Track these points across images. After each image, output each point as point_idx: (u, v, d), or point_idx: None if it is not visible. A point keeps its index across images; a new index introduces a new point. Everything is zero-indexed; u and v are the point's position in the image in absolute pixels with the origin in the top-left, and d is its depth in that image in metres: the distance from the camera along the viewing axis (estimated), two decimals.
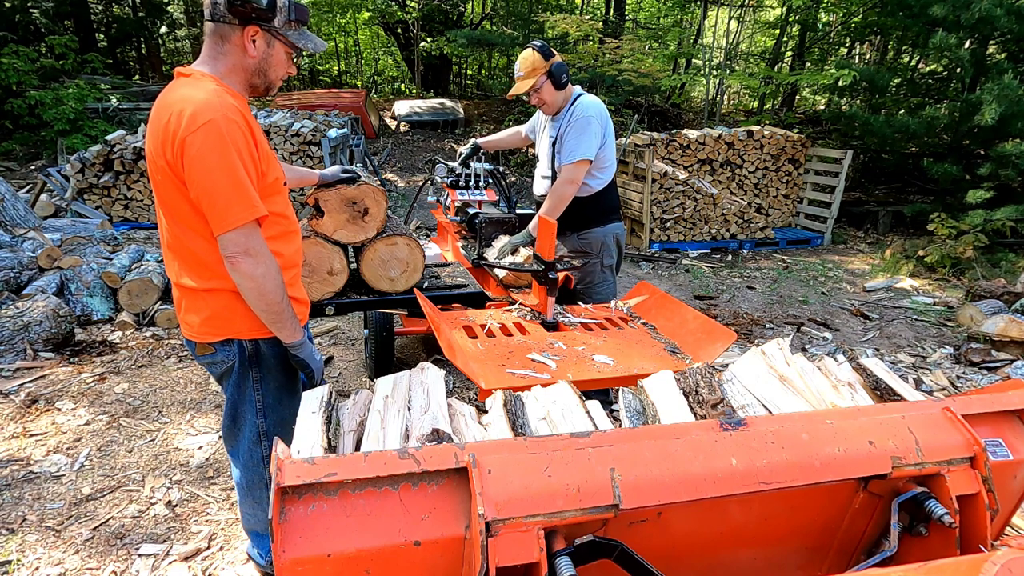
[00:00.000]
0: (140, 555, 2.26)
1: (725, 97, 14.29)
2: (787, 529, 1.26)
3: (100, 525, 2.41)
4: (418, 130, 12.35)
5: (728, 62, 11.61)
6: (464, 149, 3.47)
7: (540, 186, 3.13)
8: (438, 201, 4.05)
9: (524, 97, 2.88)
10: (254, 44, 1.60)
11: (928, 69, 10.40)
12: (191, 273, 1.65)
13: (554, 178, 2.99)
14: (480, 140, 3.49)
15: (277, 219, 1.73)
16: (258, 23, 1.58)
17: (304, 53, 1.69)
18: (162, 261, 4.85)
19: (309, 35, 1.70)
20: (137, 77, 14.82)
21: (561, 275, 2.53)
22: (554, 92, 2.84)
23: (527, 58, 2.78)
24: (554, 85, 2.82)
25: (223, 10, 1.54)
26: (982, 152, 7.87)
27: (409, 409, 1.31)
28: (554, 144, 2.92)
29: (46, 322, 3.83)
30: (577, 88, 2.94)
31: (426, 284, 2.99)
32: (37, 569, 2.18)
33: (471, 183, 3.46)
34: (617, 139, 5.99)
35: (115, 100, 10.39)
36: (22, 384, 3.47)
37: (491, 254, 2.97)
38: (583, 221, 2.98)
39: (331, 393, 1.33)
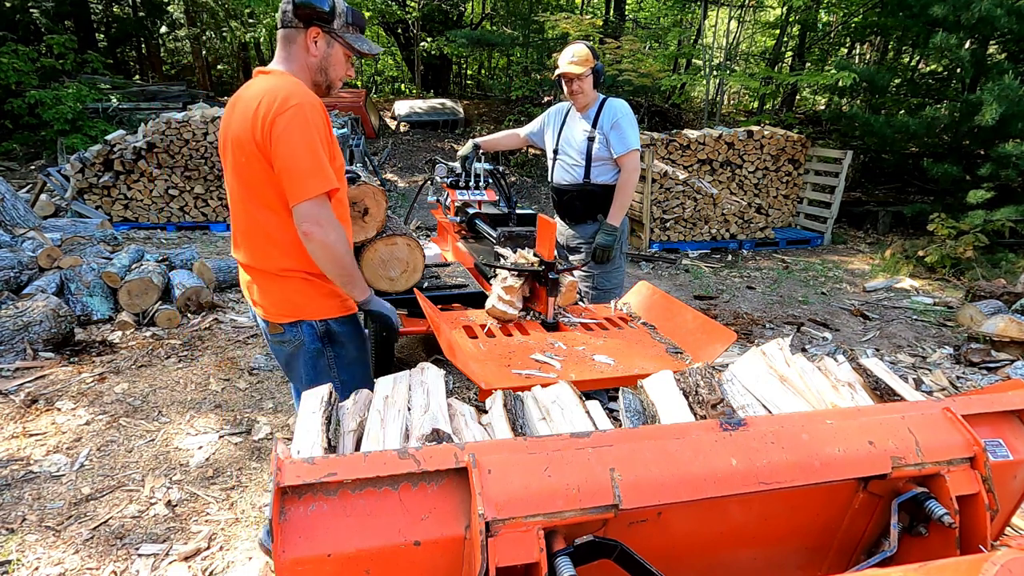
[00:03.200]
0: (140, 555, 2.26)
1: (725, 97, 14.29)
2: (787, 529, 1.26)
3: (100, 525, 2.41)
4: (418, 130, 12.35)
5: (728, 62, 11.62)
6: (463, 151, 3.48)
7: (567, 174, 3.26)
8: (438, 201, 4.05)
9: (563, 83, 3.09)
10: (315, 44, 1.79)
11: (928, 69, 10.40)
12: (267, 257, 1.80)
13: (587, 166, 3.16)
14: (479, 140, 3.51)
15: (340, 201, 1.90)
16: (319, 24, 1.76)
17: (359, 56, 1.90)
18: (161, 261, 4.87)
19: (364, 39, 1.89)
20: (137, 77, 14.82)
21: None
22: (591, 88, 3.09)
23: (581, 50, 3.03)
24: (594, 82, 3.08)
25: (291, 15, 1.75)
26: (982, 152, 7.87)
27: (409, 409, 1.31)
28: (591, 138, 3.13)
29: (46, 322, 3.83)
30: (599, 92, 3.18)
31: (426, 284, 3.00)
32: (37, 569, 2.18)
33: (471, 183, 3.46)
34: None
35: (115, 100, 10.39)
36: (22, 384, 3.47)
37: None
38: (608, 207, 3.16)
39: (331, 393, 1.33)
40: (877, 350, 4.58)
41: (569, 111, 3.26)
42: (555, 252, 2.55)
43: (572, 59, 3.02)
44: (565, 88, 3.10)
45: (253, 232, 1.80)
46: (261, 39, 15.03)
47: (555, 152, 3.31)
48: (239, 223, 1.84)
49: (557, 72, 3.09)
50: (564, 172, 3.28)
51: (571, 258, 3.28)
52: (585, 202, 3.21)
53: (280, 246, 1.78)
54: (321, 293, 1.86)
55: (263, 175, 1.71)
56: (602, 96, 3.16)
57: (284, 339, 1.89)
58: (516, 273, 2.76)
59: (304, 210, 1.67)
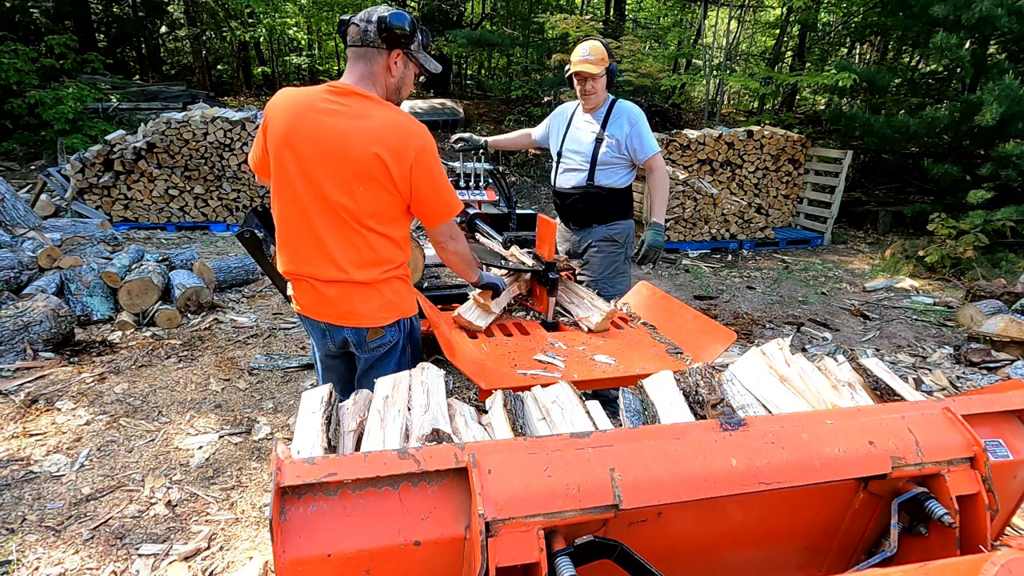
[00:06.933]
0: (140, 555, 2.26)
1: (725, 97, 14.29)
2: (787, 529, 1.26)
3: (100, 525, 2.41)
4: None
5: (728, 62, 11.61)
6: (468, 136, 3.38)
7: (571, 177, 3.11)
8: None
9: (576, 82, 2.96)
10: (396, 65, 1.82)
11: (928, 69, 10.39)
12: (369, 267, 1.83)
13: (592, 168, 3.03)
14: (489, 139, 3.43)
15: None
16: (401, 47, 1.79)
17: (427, 74, 1.95)
18: (162, 261, 4.87)
19: (430, 58, 1.94)
20: (137, 77, 14.81)
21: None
22: (604, 89, 2.98)
23: (598, 47, 2.90)
24: (607, 82, 2.97)
25: (373, 36, 1.75)
26: (982, 152, 7.87)
27: (409, 409, 1.31)
28: (599, 139, 3.01)
29: (46, 322, 3.83)
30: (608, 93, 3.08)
31: (426, 284, 2.99)
32: (37, 569, 2.18)
33: (471, 183, 3.46)
34: None
35: (115, 100, 10.38)
36: (22, 384, 3.47)
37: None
38: (614, 212, 3.08)
39: (331, 393, 1.33)
40: (877, 350, 4.58)
41: (575, 112, 3.13)
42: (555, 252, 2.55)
43: (588, 57, 2.87)
44: (577, 86, 2.98)
45: (359, 249, 1.80)
46: (261, 39, 15.04)
47: (559, 155, 3.17)
48: (327, 239, 1.78)
49: (571, 69, 2.93)
50: (568, 175, 3.13)
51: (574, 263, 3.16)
52: (589, 205, 3.08)
53: (383, 259, 1.85)
54: (410, 289, 2.00)
55: (391, 201, 1.79)
56: (611, 97, 3.04)
57: (384, 341, 1.94)
58: (512, 273, 2.76)
59: (443, 229, 1.91)
